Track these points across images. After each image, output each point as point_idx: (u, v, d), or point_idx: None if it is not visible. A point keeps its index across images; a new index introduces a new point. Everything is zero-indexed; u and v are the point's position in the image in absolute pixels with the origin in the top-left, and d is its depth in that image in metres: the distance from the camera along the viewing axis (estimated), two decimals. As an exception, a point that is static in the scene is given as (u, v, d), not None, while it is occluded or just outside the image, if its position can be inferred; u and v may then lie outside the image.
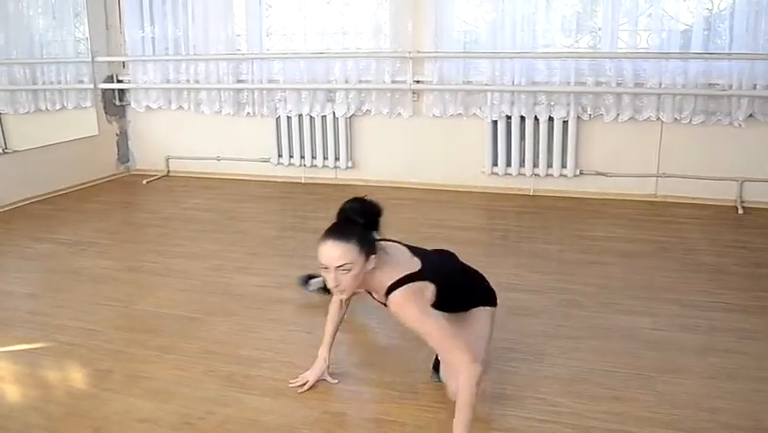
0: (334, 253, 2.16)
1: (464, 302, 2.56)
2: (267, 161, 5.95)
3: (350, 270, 2.17)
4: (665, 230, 4.46)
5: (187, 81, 5.95)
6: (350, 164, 5.72)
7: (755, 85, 4.71)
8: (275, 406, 2.48)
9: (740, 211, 4.83)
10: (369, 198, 2.28)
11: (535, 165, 5.28)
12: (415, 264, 2.32)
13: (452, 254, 2.63)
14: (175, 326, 3.16)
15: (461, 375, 2.11)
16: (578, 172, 5.23)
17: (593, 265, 3.83)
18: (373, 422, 2.40)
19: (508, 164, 5.33)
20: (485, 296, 2.62)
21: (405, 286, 2.22)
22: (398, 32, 5.31)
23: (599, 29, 5.01)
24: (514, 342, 2.91)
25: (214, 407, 2.48)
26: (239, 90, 5.87)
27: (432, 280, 2.30)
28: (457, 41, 5.30)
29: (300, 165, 5.84)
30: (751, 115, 4.80)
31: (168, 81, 6.01)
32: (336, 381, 2.59)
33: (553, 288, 3.50)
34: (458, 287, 2.50)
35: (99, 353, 2.91)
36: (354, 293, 2.39)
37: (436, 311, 2.27)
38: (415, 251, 2.42)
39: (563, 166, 5.23)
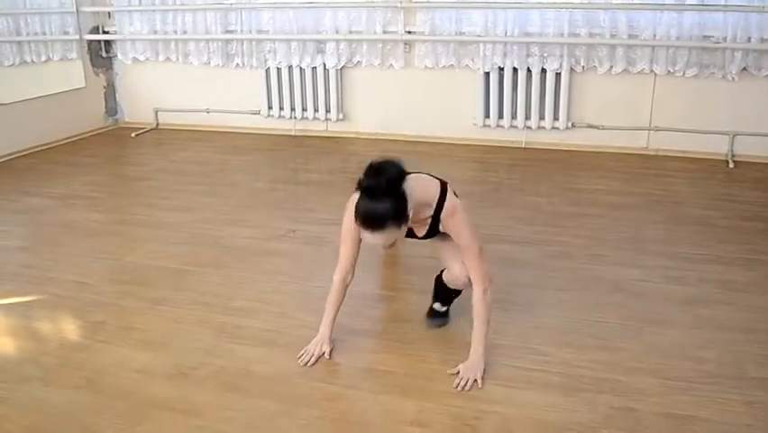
0: (378, 241, 2.17)
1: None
2: (257, 113, 5.89)
3: (395, 240, 2.21)
4: (656, 183, 4.47)
5: (175, 32, 5.84)
6: (341, 116, 5.68)
7: (750, 38, 4.67)
8: (267, 356, 2.51)
9: (731, 165, 4.84)
10: (381, 160, 2.15)
11: (527, 117, 5.25)
12: (436, 183, 2.40)
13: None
14: (166, 278, 3.17)
15: (480, 293, 2.34)
16: (570, 125, 5.21)
17: (583, 217, 3.85)
18: (365, 371, 2.43)
19: (500, 116, 5.30)
20: None
21: (448, 199, 2.34)
22: (390, -19, 5.22)
23: (594, -21, 4.94)
24: (504, 293, 2.93)
25: (208, 357, 2.51)
26: (228, 41, 5.78)
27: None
28: (449, -10, 5.22)
29: (291, 117, 5.79)
30: (744, 69, 4.77)
31: (155, 32, 5.91)
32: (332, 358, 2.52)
33: (543, 240, 3.52)
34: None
35: (92, 305, 2.92)
36: None
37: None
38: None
39: (555, 118, 5.21)
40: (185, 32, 5.81)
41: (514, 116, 5.28)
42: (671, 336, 2.61)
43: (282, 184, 4.72)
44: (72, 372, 2.44)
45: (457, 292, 2.64)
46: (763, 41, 4.67)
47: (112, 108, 6.35)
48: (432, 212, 2.35)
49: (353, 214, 2.18)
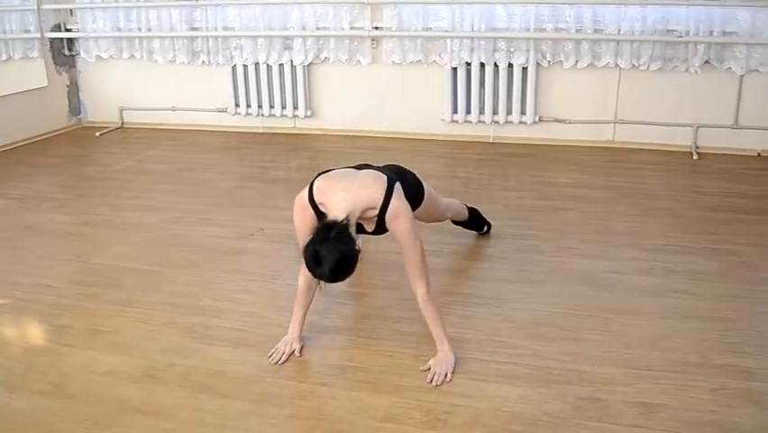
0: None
1: (420, 190, 2.71)
2: (224, 110, 5.84)
3: None
4: (622, 176, 4.53)
5: (139, 29, 5.76)
6: (309, 113, 5.65)
7: (712, 31, 4.75)
8: (237, 356, 2.49)
9: (695, 157, 4.91)
10: (313, 235, 2.18)
11: (495, 112, 5.28)
12: (382, 183, 2.38)
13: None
14: (134, 279, 3.13)
15: (424, 293, 2.36)
16: (537, 119, 5.25)
17: (552, 211, 3.88)
18: (336, 368, 2.43)
19: (468, 111, 5.32)
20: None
21: (392, 202, 2.34)
22: (356, -23, 5.20)
23: (559, -26, 4.98)
24: (474, 287, 2.95)
25: (177, 358, 2.48)
26: (193, 38, 5.71)
27: (397, 180, 2.43)
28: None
29: (258, 115, 5.74)
30: (707, 62, 4.84)
31: (118, 29, 5.82)
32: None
33: (513, 233, 3.54)
34: (410, 177, 2.69)
35: (57, 308, 2.87)
36: None
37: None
38: (364, 167, 2.56)
39: (523, 113, 5.23)
40: (149, 30, 5.73)
41: (481, 111, 5.29)
42: (638, 326, 2.64)
43: (250, 182, 4.68)
44: (38, 376, 2.40)
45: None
46: (725, 34, 4.75)
47: (75, 107, 6.25)
48: (377, 213, 2.35)
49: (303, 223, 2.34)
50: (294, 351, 2.49)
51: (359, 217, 2.33)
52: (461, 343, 2.53)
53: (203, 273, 3.17)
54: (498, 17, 5.07)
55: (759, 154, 4.93)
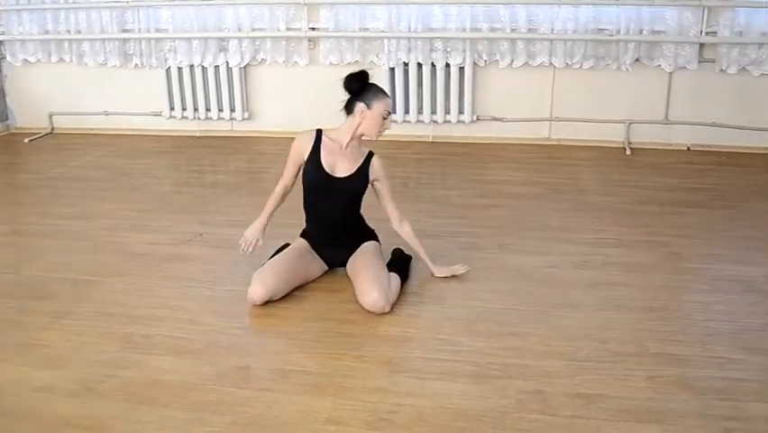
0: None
1: None
2: (159, 114, 5.72)
3: None
4: (558, 172, 4.62)
5: (68, 32, 5.60)
6: (246, 115, 5.58)
7: (641, 30, 4.90)
8: (176, 364, 2.44)
9: (628, 152, 5.05)
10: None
11: (434, 112, 5.31)
12: None
13: None
14: (68, 289, 3.03)
15: (408, 224, 3.00)
16: (475, 118, 5.31)
17: (490, 208, 3.93)
18: (278, 372, 2.40)
19: (407, 111, 5.34)
20: None
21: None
22: (291, -23, 5.17)
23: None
24: (416, 286, 2.96)
25: (114, 370, 2.41)
26: (125, 40, 5.58)
27: None
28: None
29: (194, 118, 5.65)
30: (637, 60, 4.99)
31: (46, 32, 5.64)
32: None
33: (453, 231, 3.57)
34: None
35: (-14, 322, 2.76)
36: None
37: None
38: None
39: (461, 112, 5.29)
40: (79, 32, 5.57)
41: (420, 111, 5.33)
42: (576, 318, 2.69)
43: (188, 187, 4.60)
44: (-34, 394, 2.30)
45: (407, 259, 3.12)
46: (654, 32, 4.90)
47: (2, 113, 6.02)
48: (367, 153, 2.92)
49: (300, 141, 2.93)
50: (258, 241, 2.94)
51: (357, 137, 2.88)
52: (403, 342, 2.54)
53: (139, 281, 3.09)
54: (434, 17, 5.12)
55: (688, 148, 5.10)
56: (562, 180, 4.43)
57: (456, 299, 2.86)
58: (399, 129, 5.40)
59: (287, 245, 3.08)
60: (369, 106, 2.82)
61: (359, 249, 2.95)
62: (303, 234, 3.05)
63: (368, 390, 2.27)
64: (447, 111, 5.30)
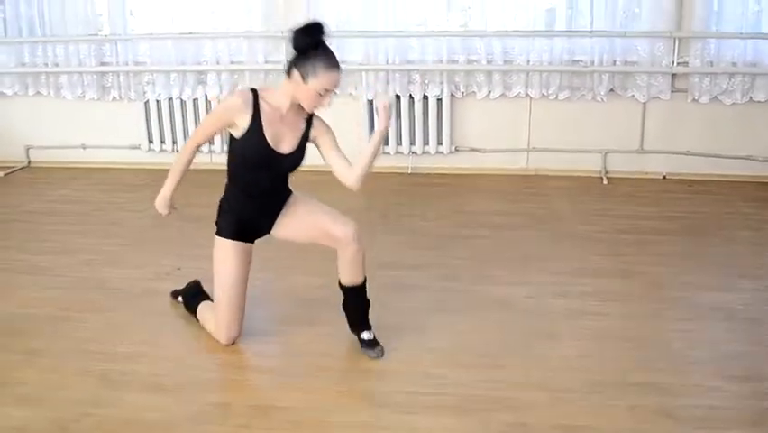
0: (340, 79, 2.52)
1: None
2: (137, 147, 5.70)
3: None
4: (536, 202, 4.65)
5: (45, 65, 5.58)
6: (225, 148, 5.54)
7: (615, 61, 4.99)
8: (154, 402, 2.40)
9: (605, 181, 5.10)
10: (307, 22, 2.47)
11: (412, 143, 5.35)
12: None
13: None
14: (44, 326, 2.98)
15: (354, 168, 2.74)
16: (453, 149, 5.35)
17: (469, 239, 3.94)
18: (259, 409, 2.37)
19: (385, 143, 5.37)
20: None
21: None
22: (270, 10, 5.20)
23: (470, 7, 5.12)
24: (397, 318, 2.95)
25: (90, 408, 2.37)
26: (103, 73, 5.57)
27: None
28: (330, 19, 5.25)
29: (173, 151, 5.62)
30: (612, 90, 5.07)
31: (23, 65, 5.62)
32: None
33: (432, 263, 3.57)
34: None
35: (-42, 361, 2.70)
36: None
37: None
38: None
39: (439, 143, 5.32)
40: (56, 65, 5.55)
41: (399, 142, 5.36)
42: (557, 348, 2.70)
43: (166, 220, 4.53)
44: (-64, 436, 2.25)
45: (366, 303, 2.71)
46: (627, 63, 4.99)
47: (-22, 147, 5.96)
48: (307, 116, 2.62)
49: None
50: (169, 212, 2.81)
51: (296, 104, 2.55)
52: (384, 375, 2.52)
53: (116, 317, 3.05)
54: (411, 50, 5.17)
55: (664, 177, 5.17)
56: (540, 210, 4.46)
57: (437, 330, 2.86)
58: (378, 161, 5.40)
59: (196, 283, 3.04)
60: (304, 79, 2.44)
61: (287, 205, 2.75)
62: (224, 222, 2.72)
63: (350, 425, 2.25)
64: (426, 142, 5.33)
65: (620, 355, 2.64)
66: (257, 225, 2.73)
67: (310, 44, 2.43)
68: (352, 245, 2.59)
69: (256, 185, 2.66)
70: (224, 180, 2.66)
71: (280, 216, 2.74)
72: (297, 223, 2.72)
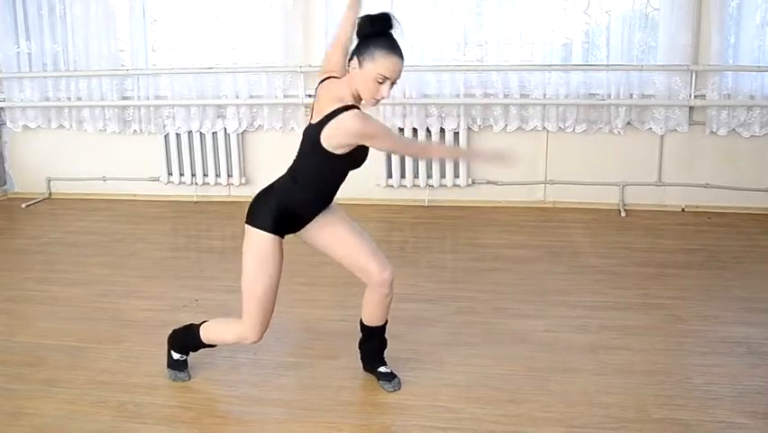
0: (401, 68, 2.29)
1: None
2: (156, 179, 5.76)
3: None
4: (554, 235, 4.63)
5: (68, 99, 5.68)
6: (243, 180, 5.62)
7: (632, 94, 5.00)
8: (170, 434, 2.39)
9: (622, 214, 5.08)
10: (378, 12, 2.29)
11: (429, 176, 5.37)
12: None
13: None
14: (61, 357, 2.99)
15: None
16: (470, 182, 5.36)
17: (486, 272, 3.92)
18: (274, 443, 2.35)
19: (403, 176, 5.39)
20: None
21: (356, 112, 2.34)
22: (289, 45, 5.28)
23: (486, 42, 5.17)
24: (413, 352, 2.93)
25: (105, 440, 2.37)
26: (124, 107, 5.66)
27: None
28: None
29: (192, 183, 5.68)
30: (629, 123, 5.08)
31: (47, 99, 5.73)
32: None
33: (450, 296, 3.55)
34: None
35: (-24, 391, 2.71)
36: None
37: None
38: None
39: (456, 176, 5.34)
40: (79, 99, 5.66)
41: (416, 175, 5.38)
42: (576, 383, 2.66)
43: (184, 252, 4.60)
44: (-47, 467, 2.24)
45: (383, 343, 2.66)
46: (643, 96, 5.00)
47: (1, 178, 6.06)
48: (339, 105, 2.33)
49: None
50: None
51: (357, 98, 2.37)
52: (401, 409, 2.49)
53: (133, 348, 3.05)
54: (428, 84, 5.21)
55: (683, 209, 5.14)
56: (557, 243, 4.44)
57: (454, 364, 2.83)
58: (395, 193, 5.45)
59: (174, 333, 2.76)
60: (361, 64, 2.27)
61: (329, 208, 2.58)
62: (262, 212, 2.46)
63: (365, 460, 2.22)
64: (443, 175, 5.35)
65: (641, 390, 2.60)
66: (298, 218, 2.50)
67: (373, 32, 2.27)
68: (384, 289, 2.54)
69: (336, 186, 2.56)
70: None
71: (318, 216, 2.54)
72: (332, 238, 2.54)
